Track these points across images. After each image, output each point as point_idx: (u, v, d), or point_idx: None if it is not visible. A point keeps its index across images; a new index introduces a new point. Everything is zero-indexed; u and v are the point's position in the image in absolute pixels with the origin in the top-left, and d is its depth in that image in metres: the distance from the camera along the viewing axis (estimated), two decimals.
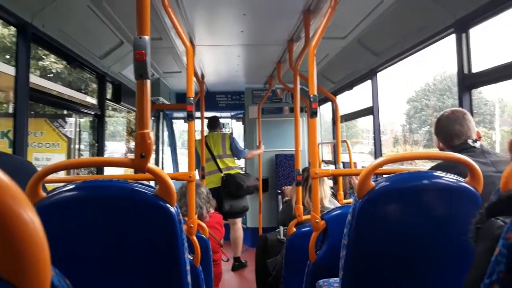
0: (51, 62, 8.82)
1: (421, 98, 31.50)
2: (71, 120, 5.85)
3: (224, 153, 4.93)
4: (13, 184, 0.35)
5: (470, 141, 1.80)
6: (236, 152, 4.98)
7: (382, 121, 5.14)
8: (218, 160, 4.88)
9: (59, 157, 5.33)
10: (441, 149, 1.94)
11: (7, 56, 8.24)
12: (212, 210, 3.10)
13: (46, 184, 1.46)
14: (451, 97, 30.72)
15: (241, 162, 5.81)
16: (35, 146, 5.31)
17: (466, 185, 1.40)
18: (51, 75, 8.92)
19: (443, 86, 31.43)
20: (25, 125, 2.27)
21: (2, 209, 0.34)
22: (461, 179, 1.42)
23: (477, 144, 1.80)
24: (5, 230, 0.35)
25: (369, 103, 3.76)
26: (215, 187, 4.71)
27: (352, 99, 5.21)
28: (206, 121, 4.96)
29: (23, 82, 2.28)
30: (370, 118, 3.84)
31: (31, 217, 0.36)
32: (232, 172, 4.88)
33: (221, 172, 4.84)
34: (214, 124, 5.09)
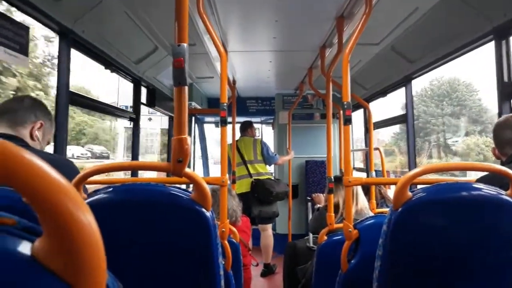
0: None
1: (417, 104, 30.38)
2: None
3: (255, 159, 4.93)
4: (72, 187, 0.36)
5: None
6: (267, 158, 4.97)
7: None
8: (248, 165, 4.88)
9: None
10: (496, 157, 1.86)
11: None
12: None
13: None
14: (450, 104, 29.51)
15: (271, 168, 5.81)
16: None
17: (507, 197, 1.35)
18: None
19: (441, 92, 30.29)
20: (66, 127, 2.35)
21: (63, 213, 0.35)
22: (502, 191, 1.37)
23: None
24: (66, 233, 0.36)
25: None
26: (244, 192, 4.73)
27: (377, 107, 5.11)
28: (237, 126, 5.00)
29: (63, 85, 2.37)
30: None
31: (90, 221, 0.37)
32: (262, 177, 4.86)
33: (251, 177, 4.85)
34: (246, 128, 5.10)
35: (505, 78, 2.32)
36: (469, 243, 1.37)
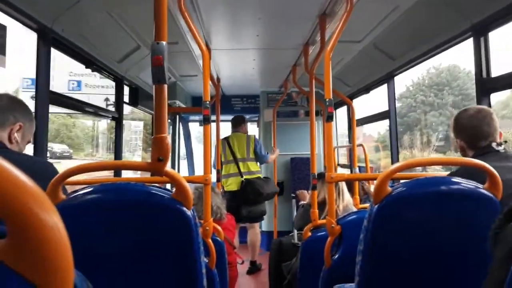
0: None
1: (415, 94, 28.33)
2: None
3: (248, 157, 4.75)
4: (38, 188, 0.36)
5: (494, 144, 1.71)
6: (259, 157, 4.81)
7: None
8: (240, 163, 4.70)
9: None
10: (461, 149, 1.85)
11: None
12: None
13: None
14: (452, 94, 27.63)
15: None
16: None
17: (485, 191, 1.38)
18: None
19: (440, 81, 28.21)
20: (46, 127, 2.32)
21: (27, 215, 0.35)
22: (479, 185, 1.40)
23: (501, 148, 1.71)
24: (31, 235, 0.36)
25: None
26: (233, 191, 4.63)
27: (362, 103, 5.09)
28: (222, 124, 4.91)
29: (43, 85, 2.32)
30: None
31: (56, 223, 0.37)
32: (252, 177, 4.69)
33: (242, 176, 4.67)
34: (239, 124, 4.89)
35: (484, 74, 2.36)
36: (448, 236, 1.40)
